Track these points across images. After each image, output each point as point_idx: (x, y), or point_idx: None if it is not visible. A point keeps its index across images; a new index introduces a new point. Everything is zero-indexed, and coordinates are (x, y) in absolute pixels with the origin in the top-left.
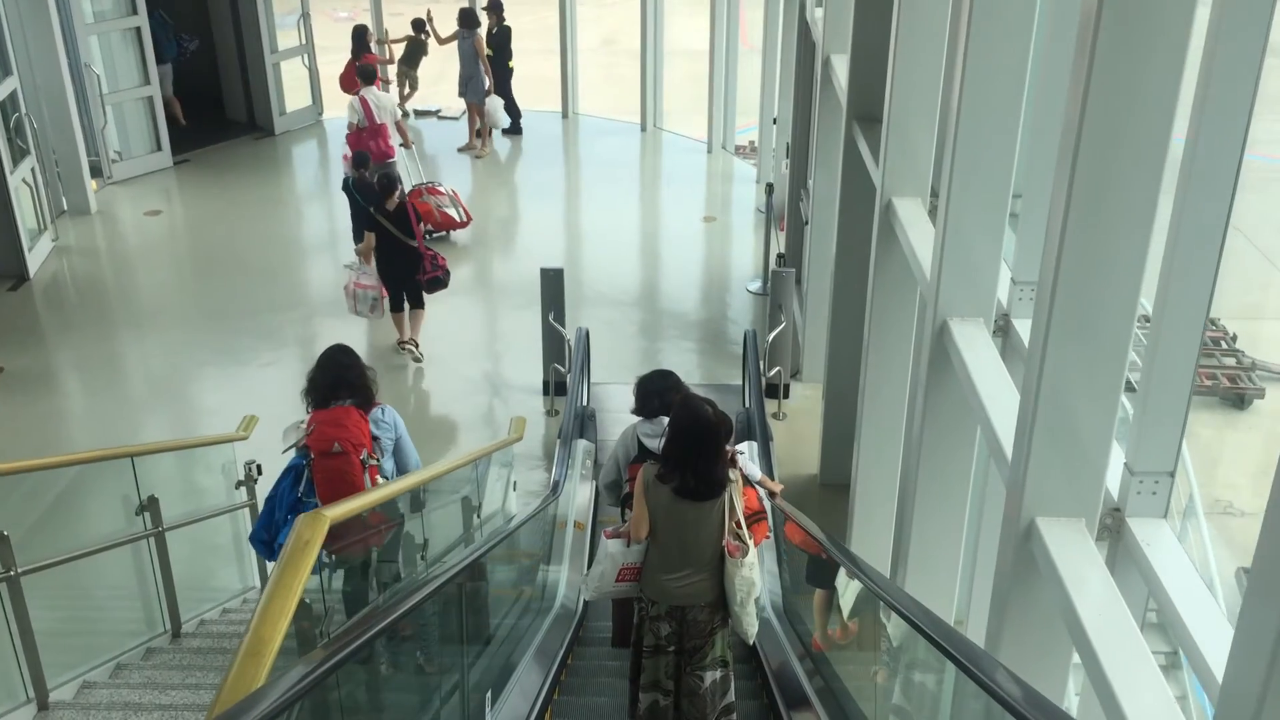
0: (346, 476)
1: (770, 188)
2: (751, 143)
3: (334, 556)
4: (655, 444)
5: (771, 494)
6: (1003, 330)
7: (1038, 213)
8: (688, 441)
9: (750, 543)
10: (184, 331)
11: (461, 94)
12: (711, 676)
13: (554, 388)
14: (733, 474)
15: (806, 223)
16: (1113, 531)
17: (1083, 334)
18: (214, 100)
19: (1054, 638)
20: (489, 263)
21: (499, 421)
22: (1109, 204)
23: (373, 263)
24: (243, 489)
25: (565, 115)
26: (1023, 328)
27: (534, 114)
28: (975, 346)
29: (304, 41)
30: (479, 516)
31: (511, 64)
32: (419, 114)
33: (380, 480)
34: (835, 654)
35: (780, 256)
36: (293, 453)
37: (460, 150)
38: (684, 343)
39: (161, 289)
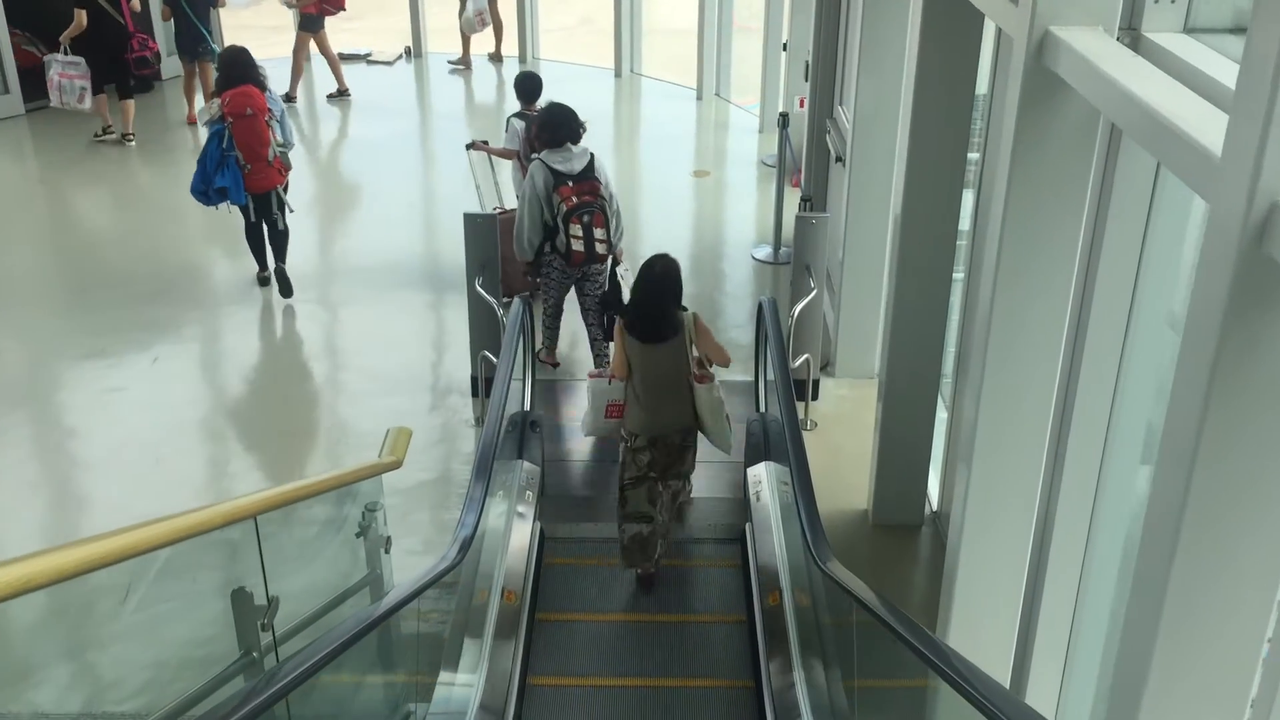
0: (257, 130)
1: (784, 118)
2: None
3: (251, 197)
4: (564, 166)
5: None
6: None
7: None
8: (646, 293)
9: (712, 371)
10: None
11: None
12: (675, 485)
13: (485, 386)
14: (687, 320)
15: (838, 159)
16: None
17: None
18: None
19: (1076, 159)
20: (420, 224)
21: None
22: None
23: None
24: None
25: (523, 60)
26: None
27: (484, 60)
28: None
29: None
30: (269, 625)
31: None
32: (344, 57)
33: (275, 137)
34: None
35: (805, 201)
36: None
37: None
38: None
39: None
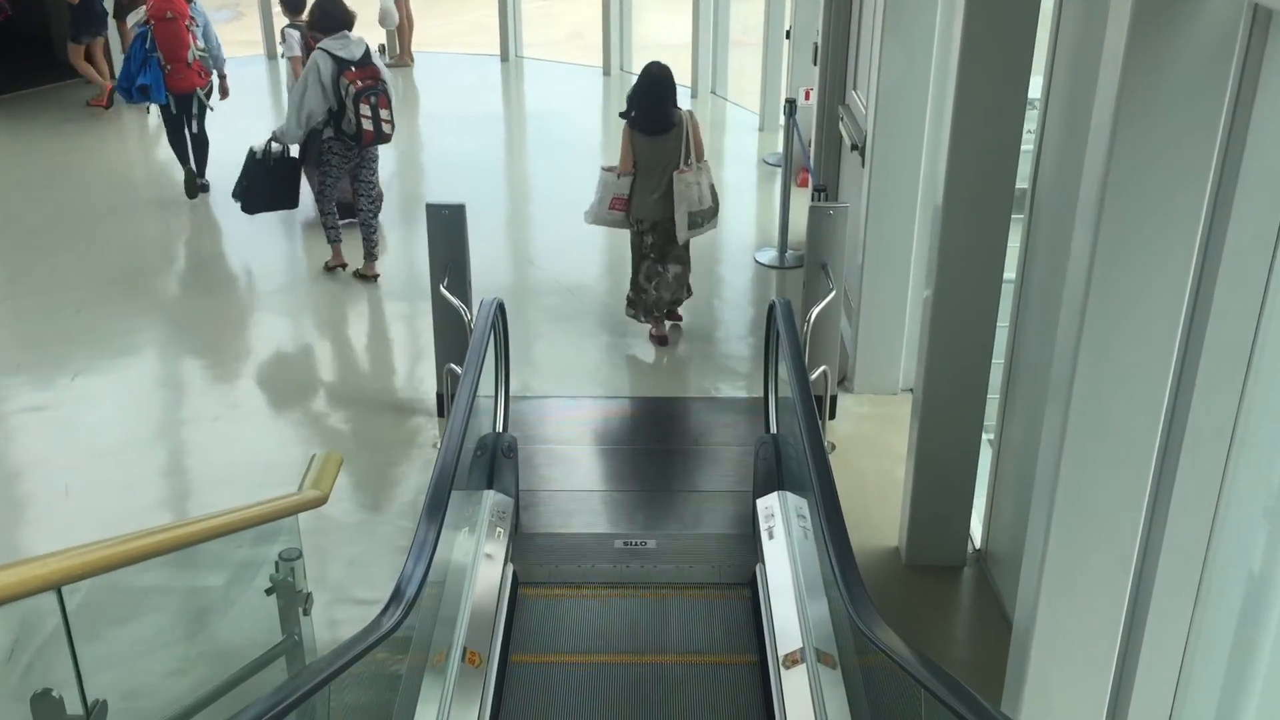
0: (177, 33)
1: (791, 105)
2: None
3: (172, 97)
4: (345, 52)
5: None
6: None
7: None
8: (645, 91)
9: (695, 164)
10: None
11: None
12: (674, 269)
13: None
14: (687, 119)
15: (854, 147)
16: None
17: None
18: (40, 37)
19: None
20: (391, 229)
21: (358, 466)
22: None
23: None
24: None
25: (505, 58)
26: None
27: (465, 58)
28: None
29: None
30: None
31: None
32: None
33: (195, 41)
34: None
35: (819, 192)
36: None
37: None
38: None
39: None
